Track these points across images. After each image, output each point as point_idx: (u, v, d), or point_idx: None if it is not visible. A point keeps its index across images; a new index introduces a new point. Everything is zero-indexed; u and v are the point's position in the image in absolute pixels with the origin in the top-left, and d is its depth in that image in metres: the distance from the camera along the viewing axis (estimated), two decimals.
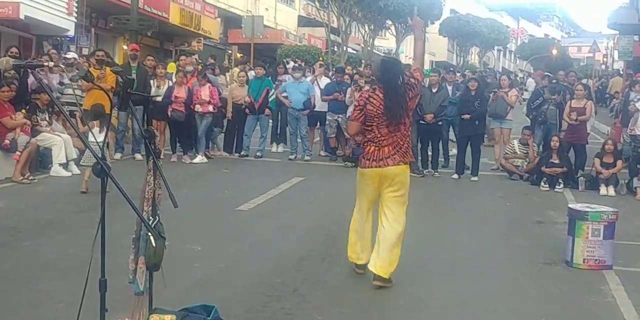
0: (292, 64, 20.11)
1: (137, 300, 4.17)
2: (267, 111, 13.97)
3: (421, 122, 12.45)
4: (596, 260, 6.85)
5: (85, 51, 21.73)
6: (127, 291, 4.32)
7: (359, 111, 6.18)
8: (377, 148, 6.14)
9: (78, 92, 12.10)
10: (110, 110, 10.78)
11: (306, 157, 14.00)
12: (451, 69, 18.78)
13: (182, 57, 15.88)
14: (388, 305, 5.70)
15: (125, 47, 25.10)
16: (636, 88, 14.84)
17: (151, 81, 13.12)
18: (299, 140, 14.24)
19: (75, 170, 11.14)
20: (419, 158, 12.82)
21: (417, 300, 5.84)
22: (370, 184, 6.23)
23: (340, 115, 13.77)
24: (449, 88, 13.85)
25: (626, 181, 11.73)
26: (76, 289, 4.68)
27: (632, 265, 7.09)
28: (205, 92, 13.21)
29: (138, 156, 12.96)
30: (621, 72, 34.59)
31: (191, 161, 13.11)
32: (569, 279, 6.63)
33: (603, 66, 55.70)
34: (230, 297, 5.54)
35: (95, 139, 8.53)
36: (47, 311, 5.18)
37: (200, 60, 21.29)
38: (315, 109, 14.20)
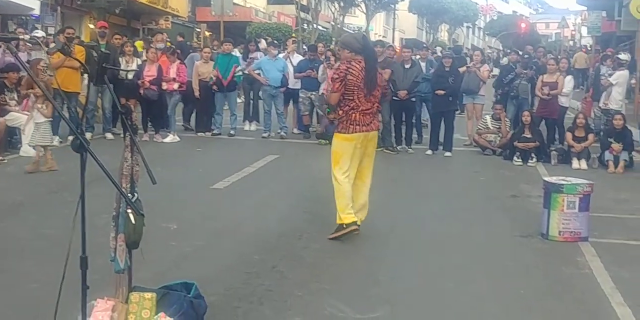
0: (263, 42, 19.91)
1: (118, 278, 4.12)
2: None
3: (394, 98, 12.43)
4: (572, 232, 6.90)
5: (51, 30, 21.35)
6: (104, 270, 4.27)
7: (339, 82, 6.71)
8: (361, 115, 6.77)
9: (47, 70, 11.86)
10: (88, 87, 10.61)
11: (282, 134, 13.93)
12: (424, 45, 18.74)
13: (157, 35, 15.71)
14: (367, 280, 5.70)
15: (92, 26, 24.73)
16: (607, 62, 14.93)
17: (120, 59, 12.95)
18: (273, 117, 14.13)
19: None
20: (393, 135, 12.83)
21: (396, 275, 5.85)
22: (360, 147, 6.83)
23: (314, 93, 13.71)
24: (422, 64, 13.83)
25: (598, 155, 11.83)
26: (51, 269, 4.61)
27: (607, 237, 7.17)
28: (173, 70, 13.07)
29: (109, 135, 12.83)
30: (589, 48, 34.85)
31: (163, 140, 12.98)
32: (545, 251, 6.68)
33: (571, 42, 56.14)
34: (208, 275, 5.49)
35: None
36: (22, 292, 5.11)
37: (168, 39, 21.03)
38: (288, 86, 14.12)
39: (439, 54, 19.70)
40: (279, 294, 5.23)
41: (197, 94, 13.62)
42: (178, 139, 13.14)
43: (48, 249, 6.01)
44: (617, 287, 5.60)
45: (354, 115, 6.75)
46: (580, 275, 5.97)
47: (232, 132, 14.01)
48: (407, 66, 12.69)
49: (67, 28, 13.30)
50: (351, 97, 6.72)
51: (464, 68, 14.00)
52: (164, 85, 12.96)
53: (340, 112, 6.79)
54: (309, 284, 5.50)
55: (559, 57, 16.92)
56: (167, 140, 12.99)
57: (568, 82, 13.29)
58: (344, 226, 6.74)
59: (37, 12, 20.46)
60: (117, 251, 4.02)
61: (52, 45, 12.64)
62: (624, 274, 5.97)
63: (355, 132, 6.76)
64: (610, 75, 13.93)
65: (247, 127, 15.15)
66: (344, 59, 6.95)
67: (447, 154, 12.58)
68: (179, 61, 13.53)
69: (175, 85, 13.12)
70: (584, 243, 6.85)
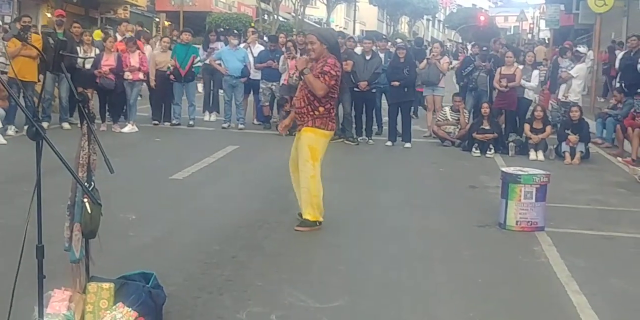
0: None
1: (74, 268, 4.06)
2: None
3: (355, 89, 12.47)
4: (529, 222, 6.99)
5: (7, 19, 20.98)
6: (61, 261, 4.20)
7: (335, 80, 6.60)
8: (334, 112, 6.94)
9: (3, 59, 11.62)
10: (44, 78, 10.43)
11: (240, 126, 13.88)
12: (384, 36, 18.83)
13: (124, 24, 15.56)
14: (327, 270, 5.71)
15: (49, 14, 24.35)
16: (568, 55, 15.10)
17: (77, 48, 12.75)
18: (233, 108, 14.07)
19: (1, 140, 10.79)
20: (353, 126, 12.87)
21: (355, 264, 5.87)
22: None
23: (274, 83, 13.68)
24: (382, 55, 13.87)
25: (555, 146, 11.99)
26: (7, 259, 4.54)
27: (563, 227, 7.28)
28: (135, 59, 12.92)
29: (66, 125, 12.65)
30: (547, 41, 35.31)
31: (121, 130, 12.84)
32: (502, 241, 6.76)
33: (529, 35, 56.81)
34: (167, 265, 5.46)
35: None
36: None
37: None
38: (249, 77, 14.05)
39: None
40: (239, 284, 5.21)
41: (152, 83, 13.54)
42: (136, 129, 13.02)
43: (4, 239, 5.90)
44: (572, 276, 5.69)
45: (332, 112, 6.78)
46: (536, 264, 6.05)
47: (191, 122, 13.93)
48: (367, 57, 12.72)
49: (24, 16, 13.06)
50: (334, 95, 6.75)
51: (425, 62, 14.04)
52: (128, 75, 12.83)
53: (322, 109, 6.63)
54: (269, 274, 5.49)
55: (522, 49, 17.11)
56: (126, 130, 12.86)
57: (535, 77, 13.44)
58: (317, 224, 6.77)
59: None
60: (73, 241, 3.96)
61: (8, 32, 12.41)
62: (579, 263, 6.07)
63: (333, 129, 6.88)
64: (572, 67, 14.09)
65: (207, 118, 15.07)
66: (320, 53, 6.63)
67: (407, 145, 12.66)
68: (139, 51, 13.40)
69: (141, 75, 13.02)
70: (540, 233, 6.95)
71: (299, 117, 6.75)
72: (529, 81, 13.24)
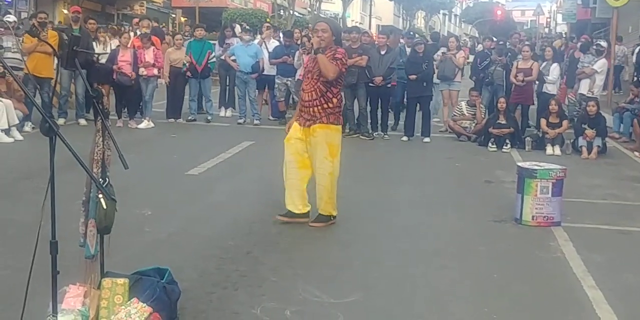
0: (238, 27, 19.80)
1: (88, 264, 4.08)
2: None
3: (370, 84, 12.44)
4: (545, 217, 6.95)
5: (24, 15, 21.10)
6: (76, 257, 4.21)
7: (345, 68, 6.70)
8: None
9: (18, 55, 11.70)
10: (56, 75, 10.49)
11: (255, 121, 13.88)
12: (411, 33, 18.94)
13: (144, 20, 15.64)
14: (341, 265, 5.70)
15: (65, 11, 24.48)
16: (590, 50, 14.95)
17: (94, 44, 12.81)
18: (247, 104, 14.08)
19: (18, 136, 10.85)
20: (369, 121, 12.85)
21: (370, 260, 5.86)
22: None
23: (289, 79, 13.66)
24: (407, 49, 13.86)
25: (572, 141, 11.91)
26: (22, 255, 4.57)
27: (579, 222, 7.23)
28: (149, 55, 12.95)
29: (82, 121, 12.70)
30: (564, 35, 35.07)
31: (137, 126, 12.89)
32: (518, 236, 6.72)
33: (546, 29, 56.45)
34: (182, 261, 5.48)
35: None
36: None
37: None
38: (264, 73, 14.04)
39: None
40: (254, 280, 5.22)
41: (166, 80, 13.58)
42: (152, 125, 13.06)
43: (18, 235, 5.95)
44: (588, 271, 5.66)
45: (342, 105, 6.81)
46: (552, 260, 6.02)
47: (209, 117, 13.96)
48: (382, 52, 12.69)
49: (40, 13, 13.12)
50: (341, 86, 6.74)
51: (440, 56, 13.99)
52: (143, 71, 12.87)
53: (335, 100, 6.58)
54: (283, 269, 5.50)
55: (543, 45, 16.96)
56: (142, 126, 12.90)
57: (553, 70, 13.34)
58: (332, 218, 6.79)
59: None
60: (88, 237, 3.98)
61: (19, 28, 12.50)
62: (595, 258, 6.03)
63: (342, 122, 6.83)
64: (595, 62, 13.92)
65: (222, 113, 15.09)
66: (329, 42, 6.53)
67: (426, 139, 12.63)
68: (153, 47, 13.44)
69: (155, 71, 13.06)
70: (556, 228, 6.91)
71: (308, 111, 6.58)
72: (547, 75, 13.14)
